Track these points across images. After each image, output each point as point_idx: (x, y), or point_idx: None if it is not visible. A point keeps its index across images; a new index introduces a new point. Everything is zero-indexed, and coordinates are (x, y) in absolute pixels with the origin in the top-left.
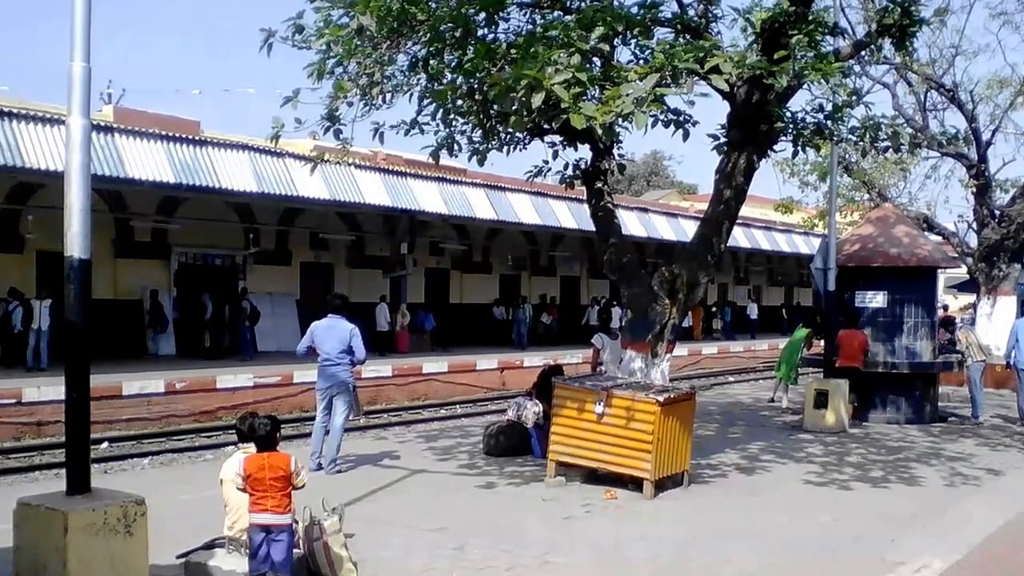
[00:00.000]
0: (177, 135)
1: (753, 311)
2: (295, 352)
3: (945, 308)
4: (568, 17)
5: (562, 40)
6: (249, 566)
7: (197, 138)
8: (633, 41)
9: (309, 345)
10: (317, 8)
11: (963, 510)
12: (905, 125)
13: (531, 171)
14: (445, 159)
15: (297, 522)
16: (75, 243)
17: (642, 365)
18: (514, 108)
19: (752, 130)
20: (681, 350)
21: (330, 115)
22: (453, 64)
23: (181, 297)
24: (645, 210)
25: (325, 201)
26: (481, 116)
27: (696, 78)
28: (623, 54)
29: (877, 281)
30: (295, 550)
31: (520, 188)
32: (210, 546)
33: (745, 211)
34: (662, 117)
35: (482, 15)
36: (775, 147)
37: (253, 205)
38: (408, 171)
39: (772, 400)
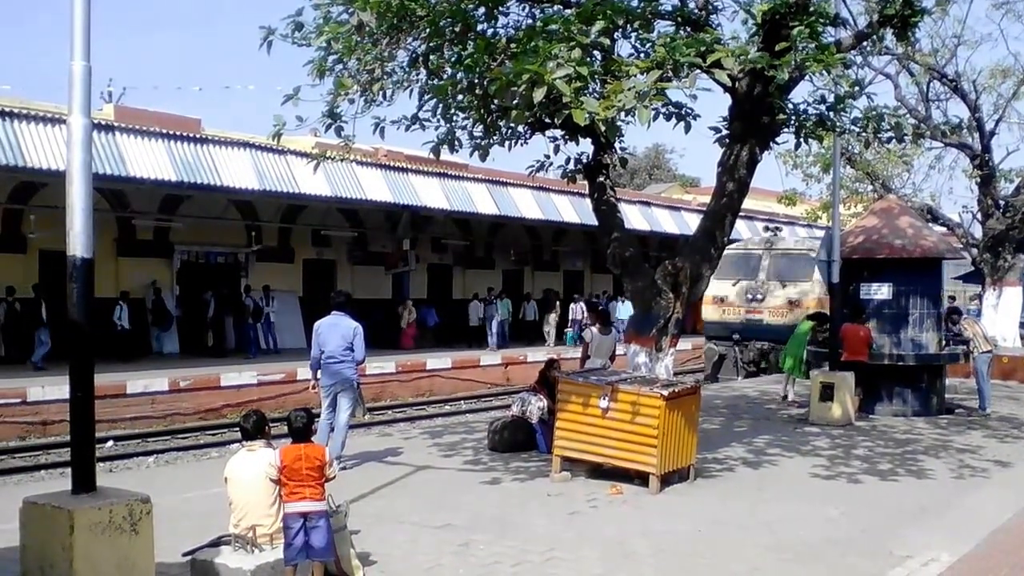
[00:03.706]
0: (178, 133)
1: None
2: (310, 364)
3: (952, 299)
4: (568, 11)
5: (562, 34)
6: (284, 555)
7: (198, 136)
8: (633, 35)
9: (321, 350)
10: (316, 5)
11: (971, 502)
12: (908, 116)
13: (533, 166)
14: (446, 155)
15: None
16: (77, 242)
17: (646, 359)
18: (515, 103)
19: (754, 122)
20: (685, 344)
21: (331, 112)
22: (453, 59)
23: (184, 295)
24: (647, 203)
25: (327, 198)
26: (482, 111)
27: (698, 72)
28: (623, 48)
29: (882, 273)
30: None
31: (522, 183)
32: (216, 544)
33: (748, 204)
34: (664, 110)
35: (481, 10)
36: (777, 139)
37: (255, 202)
38: (409, 167)
39: (785, 398)
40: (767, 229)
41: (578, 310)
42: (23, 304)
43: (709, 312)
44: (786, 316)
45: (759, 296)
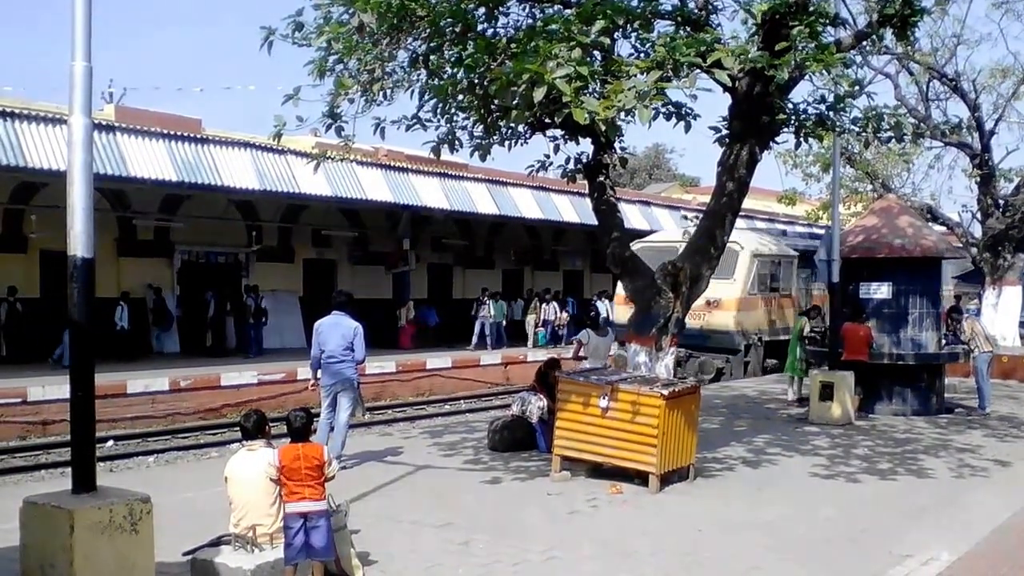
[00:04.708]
0: (179, 133)
1: None
2: (310, 363)
3: (958, 299)
4: (568, 11)
5: (562, 34)
6: (285, 554)
7: (199, 136)
8: (633, 35)
9: (321, 350)
10: (317, 5)
11: (971, 501)
12: (907, 115)
13: (533, 166)
14: (446, 154)
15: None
16: (78, 242)
17: (646, 359)
18: (515, 103)
19: (754, 122)
20: None
21: (331, 112)
22: (453, 59)
23: (184, 295)
24: (647, 203)
25: (327, 197)
26: (482, 111)
27: (698, 72)
28: (624, 48)
29: (882, 272)
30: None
31: (522, 183)
32: (216, 543)
33: (748, 203)
34: (664, 110)
35: (482, 10)
36: (777, 139)
37: (255, 202)
38: (410, 167)
39: (804, 399)
40: (685, 218)
41: (550, 310)
42: (28, 304)
43: (620, 313)
44: (704, 319)
45: None
